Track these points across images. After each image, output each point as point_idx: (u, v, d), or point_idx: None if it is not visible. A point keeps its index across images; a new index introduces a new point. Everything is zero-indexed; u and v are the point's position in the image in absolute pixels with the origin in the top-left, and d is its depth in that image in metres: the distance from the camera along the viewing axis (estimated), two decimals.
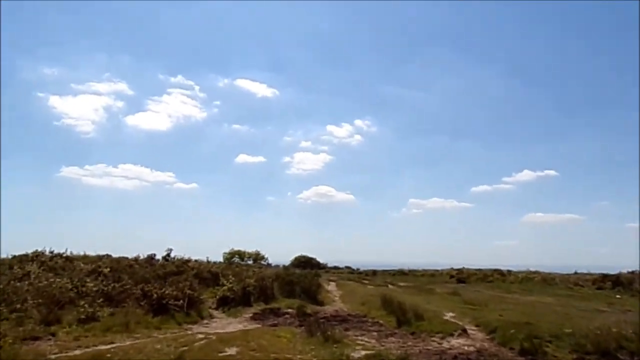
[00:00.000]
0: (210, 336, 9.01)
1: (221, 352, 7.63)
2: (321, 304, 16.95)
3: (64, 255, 19.48)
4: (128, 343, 8.28)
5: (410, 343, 9.82)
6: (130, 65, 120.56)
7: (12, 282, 11.29)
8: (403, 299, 16.98)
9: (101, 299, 11.21)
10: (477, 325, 11.21)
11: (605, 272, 37.41)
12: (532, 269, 43.14)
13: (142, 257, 29.48)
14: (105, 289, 12.26)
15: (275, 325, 11.78)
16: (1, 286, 10.52)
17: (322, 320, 12.77)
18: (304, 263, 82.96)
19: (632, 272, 30.04)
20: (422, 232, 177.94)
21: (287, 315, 13.42)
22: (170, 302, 11.10)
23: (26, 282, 11.94)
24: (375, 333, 11.06)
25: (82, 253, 24.00)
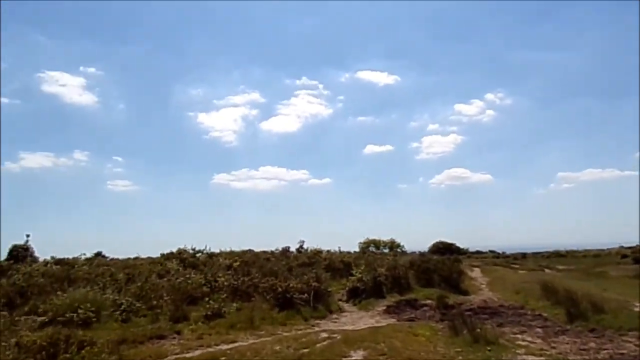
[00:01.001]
0: (335, 335, 7.90)
1: (345, 357, 6.44)
2: (465, 293, 14.86)
3: (206, 252, 20.54)
4: (249, 342, 7.62)
5: (592, 344, 7.44)
6: (260, 75, 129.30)
7: (149, 278, 11.72)
8: (569, 286, 14.08)
9: (228, 294, 10.99)
10: None
11: None
12: None
13: (277, 250, 30.52)
14: (235, 283, 12.11)
15: (411, 319, 10.27)
16: (139, 284, 10.90)
17: (468, 314, 10.91)
18: (443, 249, 79.21)
19: None
20: (575, 208, 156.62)
21: (425, 308, 11.79)
22: (295, 296, 10.36)
23: (165, 279, 12.35)
24: (539, 330, 8.82)
25: (228, 249, 25.50)
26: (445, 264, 15.85)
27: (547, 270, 27.94)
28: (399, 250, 59.45)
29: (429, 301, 12.39)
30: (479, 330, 7.76)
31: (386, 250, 62.19)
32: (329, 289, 12.03)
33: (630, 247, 45.32)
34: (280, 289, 10.45)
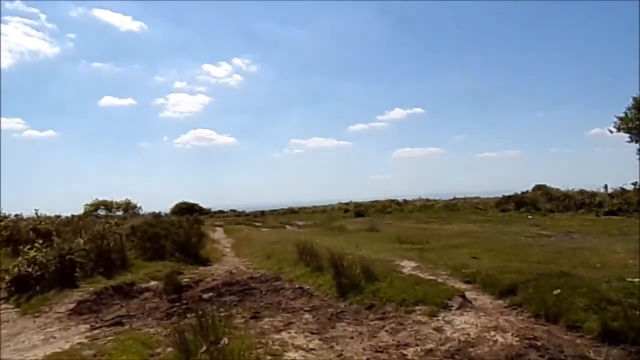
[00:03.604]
0: None
1: None
2: (206, 263, 11.60)
3: None
4: None
5: (385, 336, 5.11)
6: None
7: None
8: (319, 244, 12.48)
9: None
10: (467, 282, 6.95)
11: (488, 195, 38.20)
12: (415, 198, 42.60)
13: None
14: None
15: (118, 322, 6.19)
16: None
17: (208, 296, 7.59)
18: (186, 210, 75.90)
19: (525, 192, 29.83)
20: (304, 171, 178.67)
21: (147, 294, 7.85)
22: None
23: None
24: (308, 315, 6.17)
25: None
26: (181, 226, 12.15)
27: (288, 227, 27.83)
28: (134, 212, 52.76)
29: (153, 283, 8.48)
30: (224, 341, 4.38)
31: (119, 213, 54.49)
32: None
33: (345, 203, 52.24)
34: None
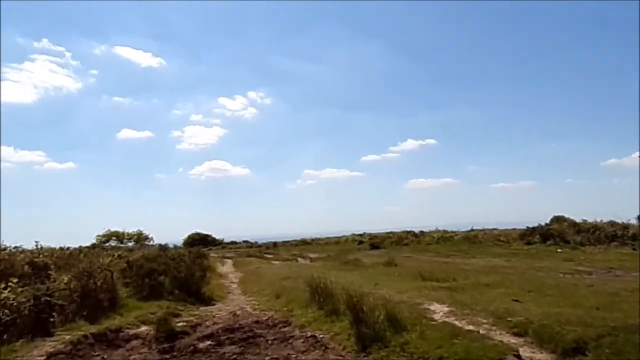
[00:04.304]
0: None
1: None
2: (208, 302, 10.45)
3: None
4: None
5: None
6: None
7: None
8: (336, 281, 11.30)
9: None
10: (517, 335, 5.70)
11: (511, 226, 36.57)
12: (429, 229, 41.11)
13: None
14: None
15: None
16: None
17: (204, 346, 6.45)
18: (199, 241, 75.10)
19: (550, 224, 28.19)
20: (317, 202, 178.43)
21: (133, 343, 6.73)
22: None
23: None
24: None
25: None
26: (182, 261, 11.05)
27: (300, 260, 26.57)
28: (145, 243, 52.00)
29: (143, 328, 7.37)
30: None
31: (131, 244, 53.81)
32: None
33: (359, 234, 50.85)
34: None
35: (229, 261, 27.73)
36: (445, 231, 36.58)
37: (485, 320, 6.21)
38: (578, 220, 26.77)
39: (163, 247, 23.88)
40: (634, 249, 19.61)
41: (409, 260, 18.80)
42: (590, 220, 26.54)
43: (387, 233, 42.68)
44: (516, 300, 7.52)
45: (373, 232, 50.50)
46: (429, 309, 7.23)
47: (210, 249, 61.00)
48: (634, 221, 25.43)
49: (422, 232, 39.06)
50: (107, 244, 55.39)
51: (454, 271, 13.32)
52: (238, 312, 8.99)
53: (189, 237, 73.88)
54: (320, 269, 16.33)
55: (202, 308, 9.57)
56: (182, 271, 10.16)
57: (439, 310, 7.05)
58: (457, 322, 6.26)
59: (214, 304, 10.19)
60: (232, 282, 14.70)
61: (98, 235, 57.73)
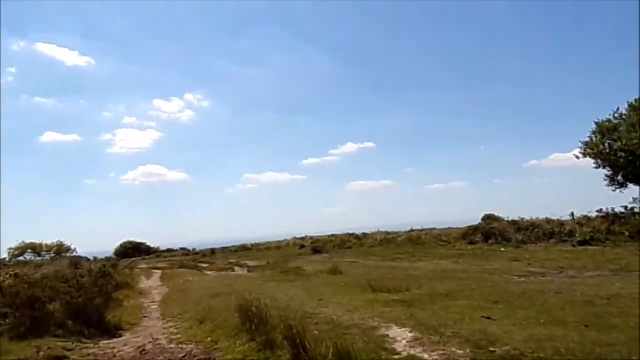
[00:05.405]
0: None
1: None
2: (114, 332, 8.40)
3: None
4: None
5: None
6: None
7: None
8: (274, 297, 9.77)
9: None
10: None
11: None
12: (370, 231, 40.74)
13: None
14: None
15: None
16: None
17: None
18: (132, 250, 70.14)
19: (487, 223, 28.33)
20: (258, 206, 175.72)
21: None
22: None
23: None
24: None
25: None
26: (78, 283, 8.76)
27: (237, 269, 24.58)
28: (65, 255, 47.51)
29: None
30: None
31: (48, 257, 48.91)
32: None
33: (301, 238, 49.34)
34: None
35: (158, 272, 25.12)
36: (387, 233, 36.02)
37: (461, 352, 4.86)
38: (506, 217, 27.24)
39: (74, 261, 20.85)
40: (573, 246, 19.71)
41: (355, 266, 17.55)
42: (527, 218, 26.93)
43: (330, 236, 41.50)
44: (488, 318, 6.30)
45: (315, 235, 49.24)
46: (387, 335, 5.80)
47: (144, 258, 56.81)
48: (566, 217, 26.10)
49: (364, 234, 38.29)
50: (21, 258, 49.70)
51: (404, 278, 12.16)
52: (148, 347, 7.08)
53: (121, 246, 68.77)
54: (257, 281, 14.59)
55: (102, 343, 7.54)
56: (76, 296, 8.02)
57: (400, 338, 5.63)
58: (426, 356, 4.86)
59: (120, 336, 8.16)
60: (153, 302, 12.57)
61: (10, 249, 51.70)
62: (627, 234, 20.67)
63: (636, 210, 22.75)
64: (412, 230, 37.12)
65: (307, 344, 5.22)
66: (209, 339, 7.16)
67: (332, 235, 41.34)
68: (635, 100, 20.99)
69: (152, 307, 11.60)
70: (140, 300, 12.88)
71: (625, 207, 22.54)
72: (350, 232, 42.02)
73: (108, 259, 49.01)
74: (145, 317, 10.09)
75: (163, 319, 9.57)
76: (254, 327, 6.55)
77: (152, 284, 18.28)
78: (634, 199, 21.51)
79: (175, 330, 8.24)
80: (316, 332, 5.75)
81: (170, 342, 7.40)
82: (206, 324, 8.08)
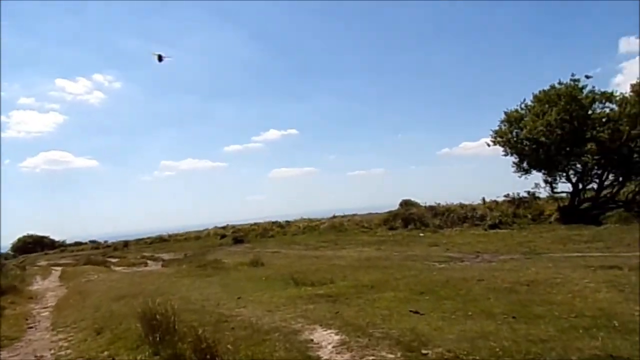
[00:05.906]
0: None
1: None
2: None
3: None
4: None
5: None
6: None
7: None
8: (186, 297, 8.86)
9: None
10: None
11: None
12: (293, 219, 40.62)
13: None
14: None
15: None
16: None
17: None
18: (32, 244, 63.74)
19: (405, 208, 29.26)
20: (176, 194, 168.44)
21: None
22: None
23: None
24: None
25: None
26: None
27: (149, 263, 22.85)
28: None
29: None
30: None
31: None
32: None
33: (221, 227, 47.74)
34: None
35: (58, 270, 22.59)
36: (310, 220, 35.83)
37: (392, 356, 4.42)
38: (422, 203, 28.43)
39: None
40: (485, 230, 20.78)
41: (277, 257, 16.94)
42: (443, 203, 28.14)
43: (252, 225, 40.49)
44: (416, 312, 5.98)
45: (237, 223, 47.90)
46: (311, 340, 5.22)
47: (47, 254, 51.51)
48: (478, 202, 27.65)
49: (287, 222, 37.80)
50: None
51: (328, 269, 11.78)
52: None
53: (19, 240, 62.07)
54: (171, 277, 13.41)
55: None
56: None
57: (325, 342, 5.09)
58: None
59: None
60: (45, 307, 10.95)
61: None
62: (529, 217, 22.28)
63: (537, 194, 24.51)
64: (334, 217, 37.35)
65: (217, 358, 4.52)
66: (106, 353, 6.12)
67: (255, 224, 40.37)
68: (539, 91, 22.45)
69: (43, 314, 10.05)
70: (29, 306, 11.17)
71: (528, 192, 24.17)
72: (273, 220, 41.31)
73: (3, 256, 43.85)
74: (31, 327, 8.64)
75: (53, 330, 8.22)
76: (158, 338, 5.66)
77: (48, 284, 16.22)
78: (536, 185, 23.07)
79: (66, 344, 7.02)
80: (231, 339, 5.06)
81: (57, 358, 6.24)
82: (104, 334, 6.97)
